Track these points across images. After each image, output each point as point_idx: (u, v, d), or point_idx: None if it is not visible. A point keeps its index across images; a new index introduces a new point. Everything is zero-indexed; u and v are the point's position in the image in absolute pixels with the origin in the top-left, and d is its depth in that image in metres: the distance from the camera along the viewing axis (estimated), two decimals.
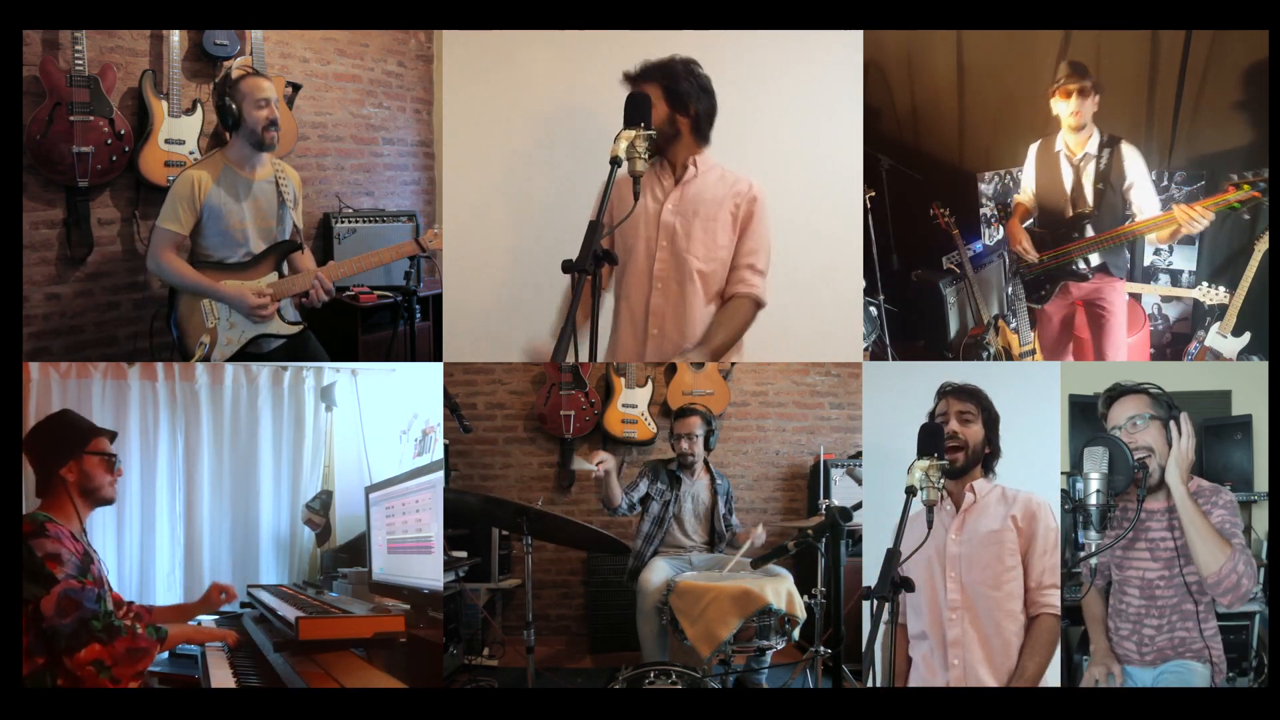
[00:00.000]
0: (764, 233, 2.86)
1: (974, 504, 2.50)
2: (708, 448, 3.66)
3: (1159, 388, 2.46)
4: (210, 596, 2.85)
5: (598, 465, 3.40)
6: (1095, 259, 3.40)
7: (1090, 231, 3.37)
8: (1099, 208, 3.35)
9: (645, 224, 2.85)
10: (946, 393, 2.54)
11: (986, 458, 2.54)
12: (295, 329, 3.31)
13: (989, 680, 2.41)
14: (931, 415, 2.55)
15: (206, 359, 3.19)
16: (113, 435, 2.43)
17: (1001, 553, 2.45)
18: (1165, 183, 3.64)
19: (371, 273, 4.16)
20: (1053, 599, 2.45)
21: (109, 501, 2.39)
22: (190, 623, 2.75)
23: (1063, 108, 3.33)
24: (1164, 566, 2.39)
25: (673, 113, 2.79)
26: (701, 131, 2.84)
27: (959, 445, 2.47)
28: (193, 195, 3.12)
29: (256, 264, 3.23)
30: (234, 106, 3.11)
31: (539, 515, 2.73)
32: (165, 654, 2.52)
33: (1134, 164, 3.32)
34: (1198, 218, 3.10)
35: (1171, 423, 2.39)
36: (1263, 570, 3.29)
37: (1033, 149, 3.52)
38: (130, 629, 2.22)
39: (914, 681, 2.56)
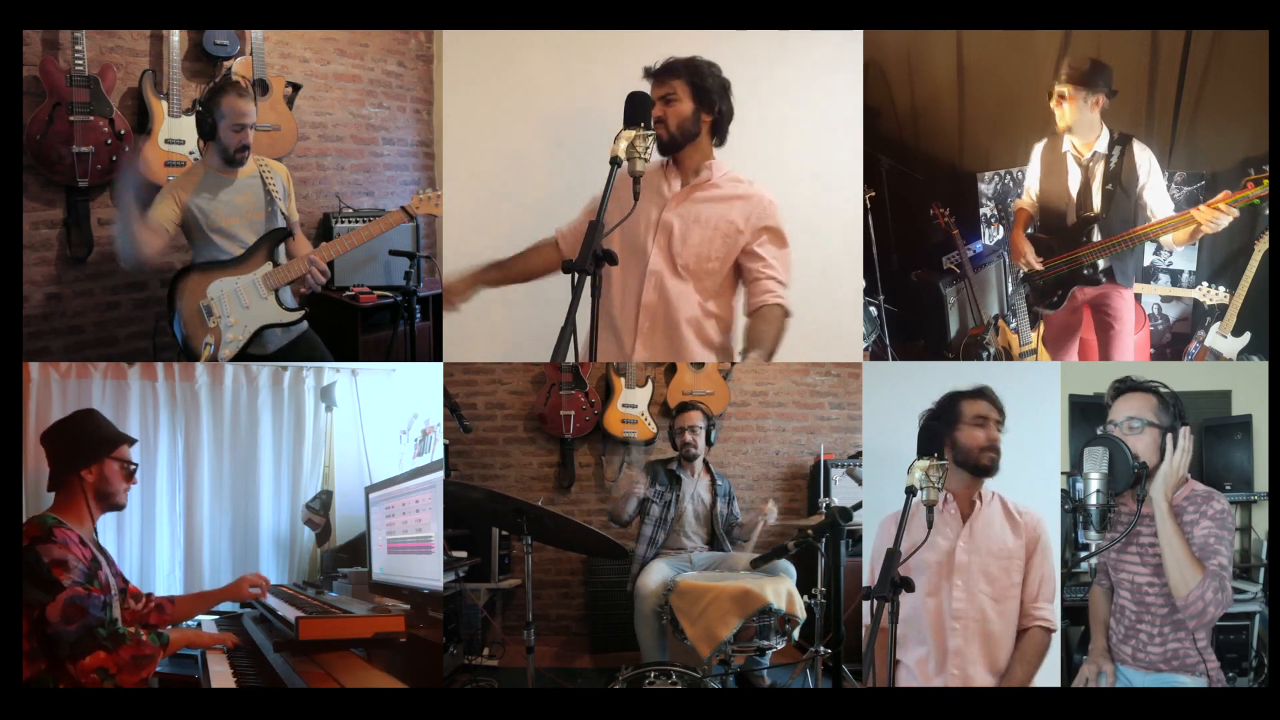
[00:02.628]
0: (784, 248, 2.84)
1: (980, 510, 2.51)
2: (709, 443, 3.66)
3: (1170, 391, 2.37)
4: (240, 587, 2.80)
5: (635, 487, 3.59)
6: (1102, 263, 3.32)
7: (1097, 235, 3.29)
8: (1107, 211, 3.26)
9: (644, 224, 2.84)
10: None
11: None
12: (295, 316, 3.30)
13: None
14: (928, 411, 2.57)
15: (214, 359, 3.19)
16: (133, 442, 2.45)
17: (1010, 568, 2.46)
18: (1165, 183, 3.63)
19: (371, 272, 4.19)
20: (1046, 613, 2.46)
21: (120, 508, 2.40)
22: (189, 624, 2.75)
23: (1054, 108, 3.27)
24: (1152, 573, 2.33)
25: (698, 110, 2.78)
26: (721, 132, 2.84)
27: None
28: (173, 197, 3.14)
29: (250, 256, 3.22)
30: (211, 120, 3.12)
31: (538, 515, 2.73)
32: None
33: (1147, 163, 3.24)
34: (1219, 216, 3.02)
35: (1169, 434, 2.31)
36: (1263, 570, 3.30)
37: (1037, 149, 3.45)
38: (134, 636, 2.22)
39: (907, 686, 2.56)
